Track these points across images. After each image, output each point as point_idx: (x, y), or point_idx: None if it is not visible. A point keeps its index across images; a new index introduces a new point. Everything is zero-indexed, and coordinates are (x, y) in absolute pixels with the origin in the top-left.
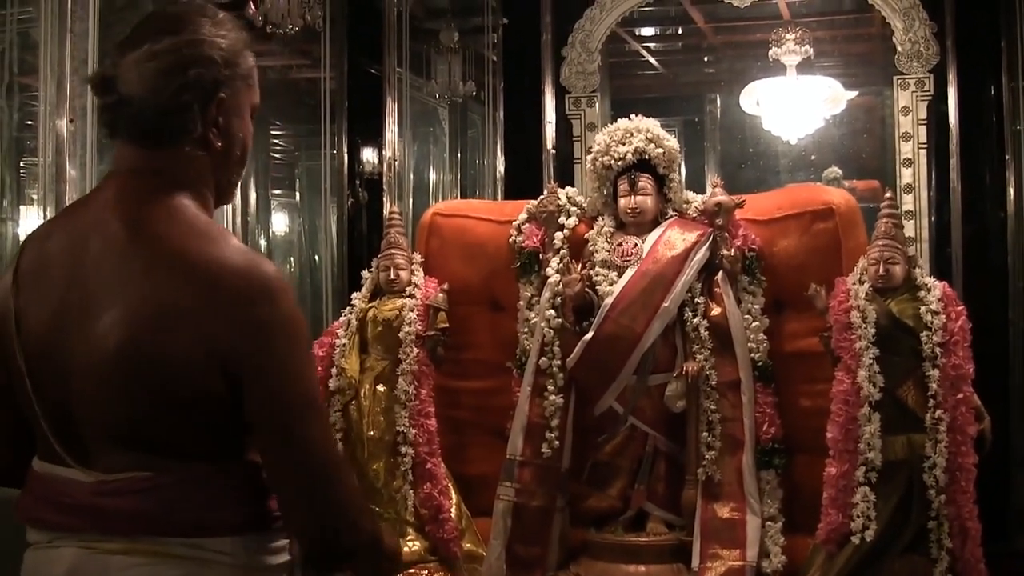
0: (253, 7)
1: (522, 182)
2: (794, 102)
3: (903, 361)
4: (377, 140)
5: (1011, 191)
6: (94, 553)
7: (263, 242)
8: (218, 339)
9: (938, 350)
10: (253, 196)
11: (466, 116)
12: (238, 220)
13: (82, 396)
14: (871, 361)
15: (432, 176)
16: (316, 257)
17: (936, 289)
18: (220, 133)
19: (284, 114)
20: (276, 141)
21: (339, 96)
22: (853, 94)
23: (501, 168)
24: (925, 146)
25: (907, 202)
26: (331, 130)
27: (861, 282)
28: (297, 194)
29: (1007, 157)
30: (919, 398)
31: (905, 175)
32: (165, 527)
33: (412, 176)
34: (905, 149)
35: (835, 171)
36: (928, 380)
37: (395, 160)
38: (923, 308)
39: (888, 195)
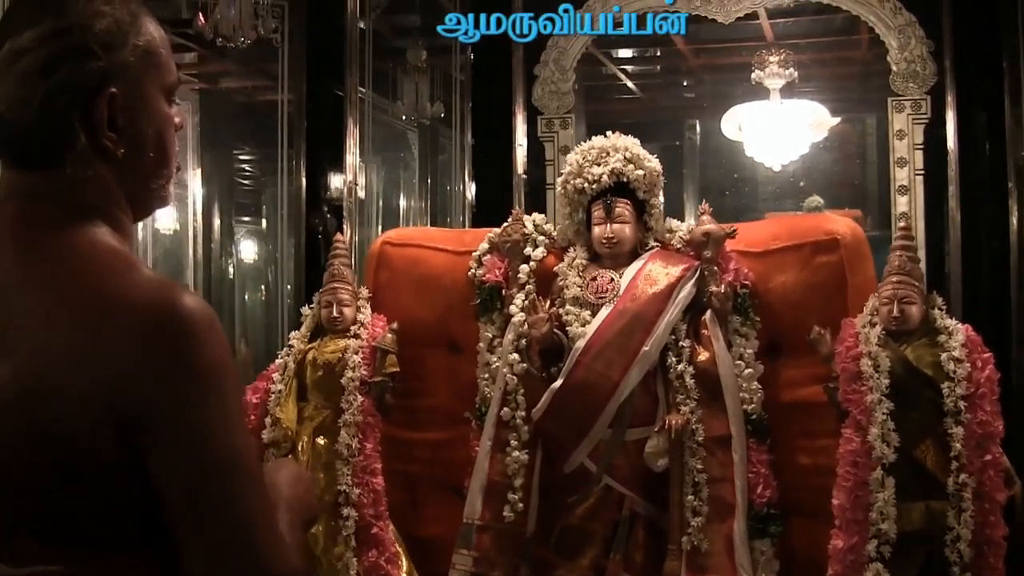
0: (202, 19)
1: (492, 208)
2: (778, 127)
3: (921, 417)
4: (338, 165)
5: (1013, 221)
6: None
7: (230, 270)
8: (116, 391)
9: (962, 404)
10: (217, 223)
11: (437, 140)
12: (200, 248)
13: None
14: (885, 417)
15: (402, 203)
16: (288, 286)
17: (959, 333)
18: (120, 136)
19: (249, 138)
20: (241, 166)
21: (297, 117)
22: (837, 120)
23: (471, 194)
24: (922, 172)
25: None
26: (288, 154)
27: (872, 324)
28: (264, 221)
29: (1009, 185)
30: (939, 460)
31: (900, 203)
32: None
33: (380, 202)
34: (900, 175)
35: (816, 200)
36: (950, 439)
37: (356, 185)
38: (944, 355)
39: (902, 224)
